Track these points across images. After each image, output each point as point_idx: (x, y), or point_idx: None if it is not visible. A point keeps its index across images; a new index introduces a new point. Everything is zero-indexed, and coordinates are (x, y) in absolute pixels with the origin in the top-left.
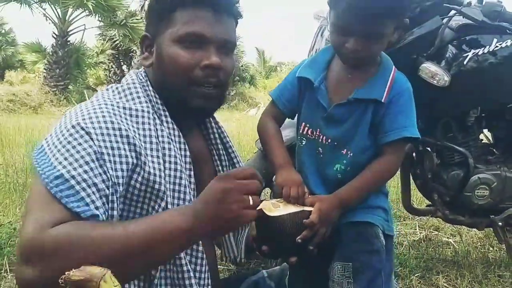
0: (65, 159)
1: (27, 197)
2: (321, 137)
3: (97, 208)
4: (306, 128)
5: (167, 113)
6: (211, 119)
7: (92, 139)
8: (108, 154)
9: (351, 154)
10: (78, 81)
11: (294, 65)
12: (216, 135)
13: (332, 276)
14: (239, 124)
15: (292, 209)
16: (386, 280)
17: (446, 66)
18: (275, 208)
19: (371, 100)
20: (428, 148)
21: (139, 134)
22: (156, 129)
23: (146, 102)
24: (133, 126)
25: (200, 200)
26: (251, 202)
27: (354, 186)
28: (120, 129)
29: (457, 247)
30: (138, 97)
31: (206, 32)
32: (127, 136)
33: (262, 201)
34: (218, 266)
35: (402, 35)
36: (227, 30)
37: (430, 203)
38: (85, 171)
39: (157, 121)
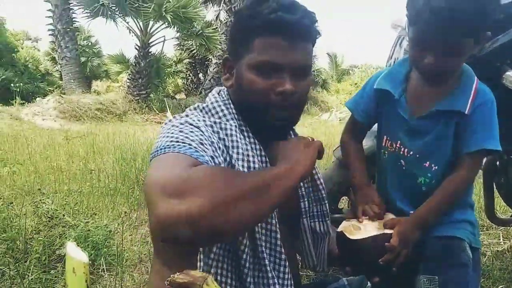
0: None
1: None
2: (402, 150)
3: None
4: (387, 141)
5: (248, 129)
6: None
7: (191, 147)
8: (212, 151)
9: (436, 168)
10: (158, 89)
11: (367, 67)
12: None
13: None
14: (312, 129)
15: (373, 231)
16: None
17: None
18: (355, 230)
19: (454, 112)
20: None
21: (226, 146)
22: (242, 143)
23: (232, 119)
24: (221, 139)
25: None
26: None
27: (433, 203)
28: (212, 142)
29: None
30: (224, 115)
31: (280, 60)
32: (219, 148)
33: (342, 222)
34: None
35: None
36: (301, 55)
37: None
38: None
39: (241, 136)
